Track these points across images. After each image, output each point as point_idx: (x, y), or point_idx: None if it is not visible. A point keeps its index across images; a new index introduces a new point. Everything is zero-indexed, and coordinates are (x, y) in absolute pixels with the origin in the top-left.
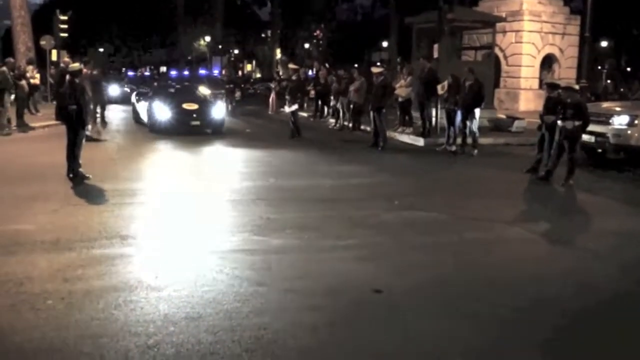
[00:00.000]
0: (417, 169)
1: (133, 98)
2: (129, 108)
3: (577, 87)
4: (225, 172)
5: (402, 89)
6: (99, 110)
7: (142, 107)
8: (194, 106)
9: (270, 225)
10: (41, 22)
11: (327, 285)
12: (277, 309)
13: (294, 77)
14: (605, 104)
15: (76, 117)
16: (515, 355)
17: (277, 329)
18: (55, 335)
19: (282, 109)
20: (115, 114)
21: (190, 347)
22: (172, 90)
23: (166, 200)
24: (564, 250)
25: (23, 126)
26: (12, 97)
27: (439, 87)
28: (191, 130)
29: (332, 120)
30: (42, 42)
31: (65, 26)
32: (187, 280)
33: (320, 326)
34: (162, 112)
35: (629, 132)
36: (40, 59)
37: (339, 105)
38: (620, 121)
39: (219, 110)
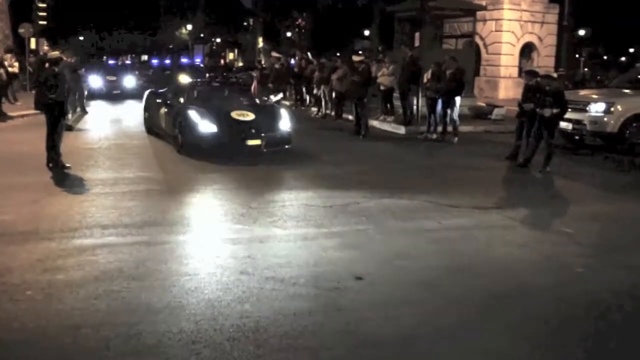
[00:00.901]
0: (399, 157)
1: (145, 99)
2: (114, 105)
3: (555, 75)
4: (206, 162)
5: (385, 77)
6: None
7: (164, 114)
8: (249, 116)
9: (252, 214)
10: (20, 10)
11: (308, 273)
12: (258, 297)
13: (276, 66)
14: (582, 92)
15: (56, 106)
16: (493, 337)
17: (258, 317)
18: (35, 326)
19: (265, 98)
20: (100, 115)
21: (172, 336)
22: (214, 91)
23: (147, 190)
24: (542, 235)
25: (1, 115)
26: None
27: (425, 75)
28: (247, 151)
29: (315, 109)
30: (21, 30)
31: (44, 14)
32: (168, 270)
33: (302, 314)
34: (205, 124)
35: (605, 119)
36: (19, 47)
37: (321, 94)
38: (596, 108)
39: (284, 121)
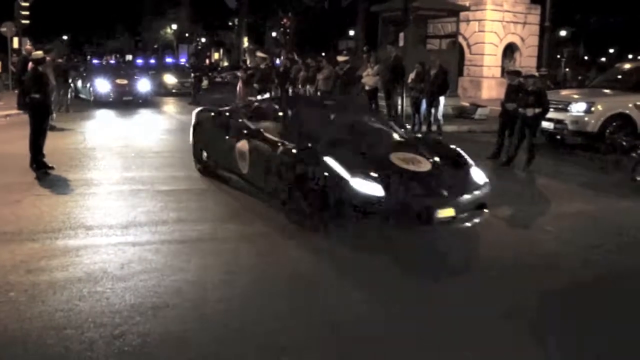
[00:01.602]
0: None
1: (197, 122)
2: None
3: (537, 75)
4: (183, 160)
5: (369, 77)
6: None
7: (254, 155)
8: (422, 163)
9: (238, 213)
10: (1, 8)
11: (294, 272)
12: (244, 296)
13: (262, 66)
14: (563, 92)
15: (40, 106)
16: (474, 337)
17: (244, 316)
18: (17, 328)
19: (250, 98)
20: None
21: (157, 336)
22: (318, 111)
23: (131, 190)
24: (525, 233)
25: None
26: None
27: (409, 75)
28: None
29: None
30: (3, 29)
31: (27, 13)
32: (153, 270)
33: (288, 311)
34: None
35: (585, 118)
36: (1, 46)
37: (307, 94)
38: (577, 108)
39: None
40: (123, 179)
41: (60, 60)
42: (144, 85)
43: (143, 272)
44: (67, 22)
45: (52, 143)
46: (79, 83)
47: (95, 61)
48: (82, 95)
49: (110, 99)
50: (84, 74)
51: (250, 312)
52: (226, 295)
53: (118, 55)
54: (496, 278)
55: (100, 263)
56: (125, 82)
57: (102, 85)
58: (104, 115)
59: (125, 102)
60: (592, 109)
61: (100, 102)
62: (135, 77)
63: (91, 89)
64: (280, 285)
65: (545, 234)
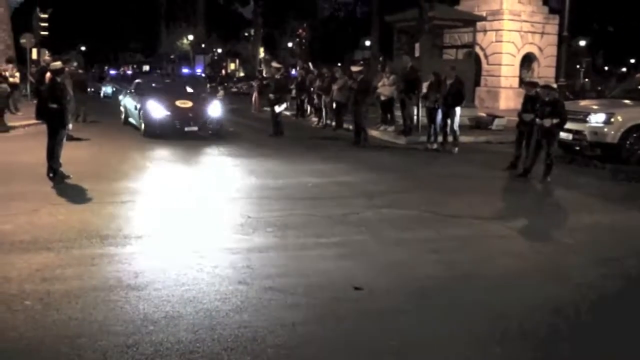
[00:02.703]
0: (398, 167)
1: None
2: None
3: (554, 85)
4: (206, 170)
5: (385, 87)
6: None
7: None
8: None
9: (252, 224)
10: (21, 20)
11: (307, 283)
12: (257, 307)
13: (277, 76)
14: (582, 102)
15: (57, 116)
16: (492, 348)
17: (256, 327)
18: (32, 336)
19: (265, 108)
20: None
21: (169, 346)
22: None
23: (146, 200)
24: (541, 245)
25: (3, 126)
26: None
27: (424, 85)
28: None
29: (315, 119)
30: (22, 41)
31: (46, 24)
32: (167, 280)
33: (300, 324)
34: None
35: (605, 129)
36: (20, 58)
37: (321, 104)
38: (596, 119)
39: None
40: (138, 188)
41: (80, 71)
42: (214, 109)
43: (156, 281)
44: (84, 33)
45: (68, 153)
46: (129, 104)
47: (112, 72)
48: (132, 121)
49: (168, 130)
50: (132, 91)
51: (264, 322)
52: (239, 306)
53: (135, 66)
54: (509, 289)
55: (115, 272)
56: (188, 104)
57: (156, 109)
58: (124, 127)
59: (188, 135)
60: (612, 119)
61: (153, 134)
62: (202, 96)
63: (142, 112)
64: (297, 296)
65: (563, 246)
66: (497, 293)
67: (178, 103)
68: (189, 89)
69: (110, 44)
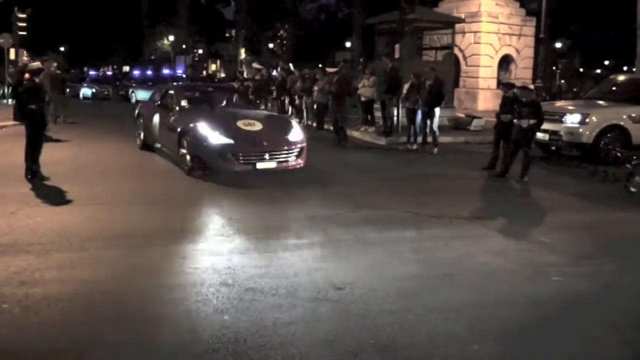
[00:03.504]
0: (379, 167)
1: None
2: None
3: (532, 86)
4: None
5: (366, 88)
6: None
7: None
8: None
9: (233, 226)
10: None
11: (288, 284)
12: (238, 308)
13: (256, 77)
14: (558, 103)
15: (35, 117)
16: (471, 346)
17: (238, 328)
18: (10, 340)
19: None
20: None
21: (151, 348)
22: None
23: (127, 202)
24: (519, 244)
25: None
26: None
27: (404, 86)
28: None
29: (296, 120)
30: (0, 41)
31: (24, 24)
32: (147, 282)
33: (281, 324)
34: None
35: (580, 130)
36: None
37: (303, 105)
38: (572, 119)
39: None
40: (118, 190)
41: (58, 72)
42: (294, 132)
43: (137, 283)
44: (64, 34)
45: (47, 154)
46: (159, 122)
47: (92, 72)
48: (160, 147)
49: (228, 166)
50: (161, 103)
51: (246, 323)
52: (220, 307)
53: (115, 67)
54: (488, 288)
55: (95, 275)
56: (256, 126)
57: (213, 135)
58: (105, 128)
59: (261, 174)
60: (587, 120)
61: (203, 172)
62: (268, 115)
63: (187, 139)
64: (278, 297)
65: (540, 245)
66: (476, 291)
67: (241, 124)
68: (233, 101)
69: (91, 45)
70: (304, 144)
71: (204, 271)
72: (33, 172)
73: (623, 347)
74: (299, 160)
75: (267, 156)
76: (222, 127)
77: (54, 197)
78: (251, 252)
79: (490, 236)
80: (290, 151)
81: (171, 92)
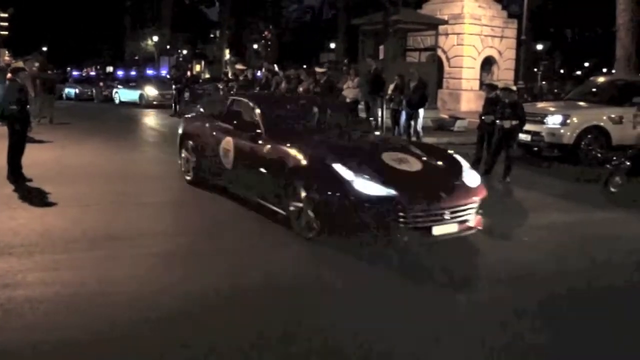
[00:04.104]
0: None
1: None
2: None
3: (514, 87)
4: (172, 173)
5: (350, 89)
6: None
7: None
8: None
9: (216, 226)
10: None
11: (277, 284)
12: (223, 307)
13: (240, 78)
14: (540, 104)
15: (17, 117)
16: (451, 348)
17: (218, 327)
18: None
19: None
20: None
21: (136, 350)
22: None
23: (111, 203)
24: (501, 243)
25: None
26: None
27: (389, 87)
28: None
29: None
30: None
31: (6, 24)
32: (132, 284)
33: (268, 324)
34: None
35: (561, 131)
36: None
37: None
38: (554, 120)
39: None
40: (102, 192)
41: (49, 72)
42: (471, 175)
43: (121, 285)
44: (47, 34)
45: (30, 155)
46: (223, 159)
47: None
48: (232, 187)
49: (394, 234)
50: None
51: (217, 324)
52: (205, 308)
53: (98, 67)
54: (469, 288)
55: (79, 277)
56: (416, 163)
57: (361, 181)
58: (89, 129)
59: None
60: (568, 121)
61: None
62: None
63: (304, 187)
64: (263, 295)
65: (521, 244)
66: (454, 290)
67: (391, 161)
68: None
69: (73, 45)
70: (484, 191)
71: (190, 271)
72: (14, 173)
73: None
74: (478, 219)
75: (447, 215)
76: (369, 167)
77: (37, 198)
78: (231, 253)
79: (472, 236)
80: (471, 205)
81: (250, 104)
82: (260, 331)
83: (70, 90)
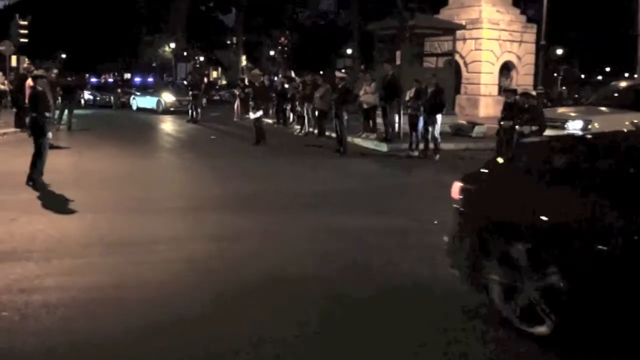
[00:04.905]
0: (380, 174)
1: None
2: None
3: (533, 93)
4: (188, 179)
5: (368, 95)
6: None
7: None
8: None
9: (232, 232)
10: (0, 27)
11: (289, 292)
12: (238, 312)
13: (256, 84)
14: (560, 110)
15: (36, 124)
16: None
17: (234, 333)
18: (9, 347)
19: (246, 116)
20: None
21: (150, 356)
22: None
23: (128, 208)
24: None
25: None
26: None
27: (407, 93)
28: None
29: (297, 127)
30: (2, 48)
31: (25, 31)
32: (149, 289)
33: (281, 330)
34: None
35: None
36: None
37: (304, 112)
38: (574, 126)
39: None
40: (119, 197)
41: (69, 79)
42: None
43: (137, 291)
44: (64, 41)
45: (48, 161)
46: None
47: (93, 79)
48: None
49: None
50: None
51: (241, 332)
52: (219, 314)
53: (116, 74)
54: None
55: (95, 282)
56: None
57: None
58: (106, 136)
59: None
60: (590, 126)
61: None
62: None
63: None
64: (278, 303)
65: None
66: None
67: None
68: None
69: (91, 52)
70: None
71: (203, 277)
72: (33, 179)
73: None
74: None
75: None
76: None
77: (54, 204)
78: (250, 259)
79: None
80: None
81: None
82: (275, 338)
83: (89, 97)
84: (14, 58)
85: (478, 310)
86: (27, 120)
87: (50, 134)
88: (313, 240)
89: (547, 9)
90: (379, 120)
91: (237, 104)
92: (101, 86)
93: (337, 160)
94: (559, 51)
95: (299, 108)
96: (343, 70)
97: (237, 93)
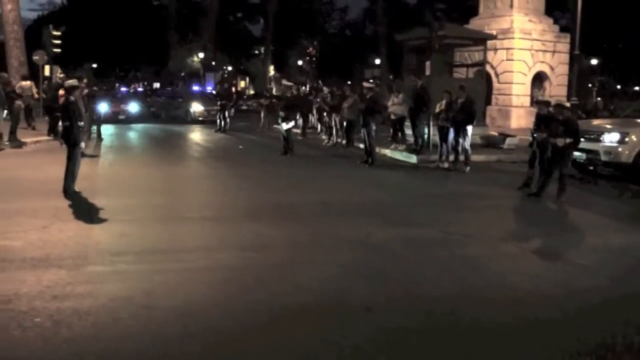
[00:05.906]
0: (410, 185)
1: None
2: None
3: (567, 104)
4: (217, 188)
5: (396, 106)
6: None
7: None
8: None
9: (261, 241)
10: (34, 37)
11: (318, 303)
12: (268, 324)
13: (288, 94)
14: (595, 121)
15: (68, 133)
16: None
17: (265, 345)
18: (42, 354)
19: (275, 126)
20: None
21: None
22: None
23: (158, 217)
24: (554, 265)
25: (15, 141)
26: (5, 112)
27: (438, 104)
28: None
29: (325, 137)
30: (35, 57)
31: (58, 41)
32: (178, 297)
33: (311, 343)
34: None
35: (619, 149)
36: (33, 74)
37: (332, 122)
38: (610, 138)
39: None
40: (148, 205)
41: (104, 88)
42: None
43: (167, 299)
44: (94, 51)
45: (81, 169)
46: None
47: (123, 89)
48: None
49: None
50: None
51: (273, 339)
52: (252, 323)
53: (145, 83)
54: (529, 310)
55: (126, 290)
56: None
57: None
58: (135, 145)
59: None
60: (626, 139)
61: None
62: None
63: None
64: (309, 315)
65: (578, 268)
66: (508, 313)
67: None
68: None
69: (121, 61)
70: None
71: (233, 287)
72: (65, 187)
73: None
74: None
75: None
76: None
77: (86, 211)
78: (279, 269)
79: (524, 257)
80: None
81: None
82: (301, 354)
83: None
84: (47, 67)
85: None
86: (60, 129)
87: (82, 144)
88: (343, 251)
89: (581, 18)
90: (408, 131)
91: (262, 113)
92: (130, 95)
93: (366, 171)
94: (594, 61)
95: (326, 119)
96: (371, 81)
97: (265, 103)
